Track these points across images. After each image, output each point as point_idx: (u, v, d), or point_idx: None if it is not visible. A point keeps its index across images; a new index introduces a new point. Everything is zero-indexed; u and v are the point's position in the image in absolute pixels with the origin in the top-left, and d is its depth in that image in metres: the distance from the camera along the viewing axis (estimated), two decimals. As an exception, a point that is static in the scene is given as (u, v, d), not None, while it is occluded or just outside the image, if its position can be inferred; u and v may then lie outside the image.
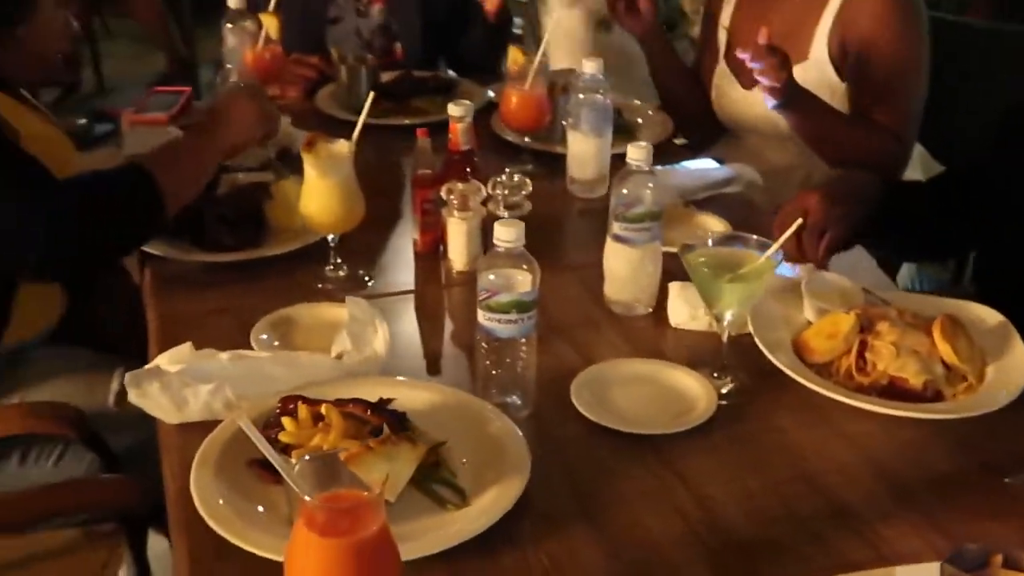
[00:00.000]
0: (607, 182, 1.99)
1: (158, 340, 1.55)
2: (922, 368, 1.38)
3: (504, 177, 1.75)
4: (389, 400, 1.31)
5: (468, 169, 1.79)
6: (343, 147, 1.66)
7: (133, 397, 1.32)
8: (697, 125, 2.42)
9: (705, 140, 2.41)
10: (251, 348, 1.48)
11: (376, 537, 0.93)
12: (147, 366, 1.36)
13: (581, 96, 1.97)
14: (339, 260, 1.73)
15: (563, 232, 1.97)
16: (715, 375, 1.44)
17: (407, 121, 2.33)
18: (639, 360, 1.49)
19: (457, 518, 1.18)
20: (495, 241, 1.33)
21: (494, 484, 1.22)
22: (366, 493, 0.93)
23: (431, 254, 1.80)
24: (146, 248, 1.74)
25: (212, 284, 1.71)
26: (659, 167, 2.03)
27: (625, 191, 1.57)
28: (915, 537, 1.19)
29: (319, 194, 1.66)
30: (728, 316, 1.40)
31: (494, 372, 1.37)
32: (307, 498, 0.91)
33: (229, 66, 2.21)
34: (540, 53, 2.07)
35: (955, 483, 1.28)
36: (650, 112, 2.39)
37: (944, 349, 1.40)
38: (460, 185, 1.72)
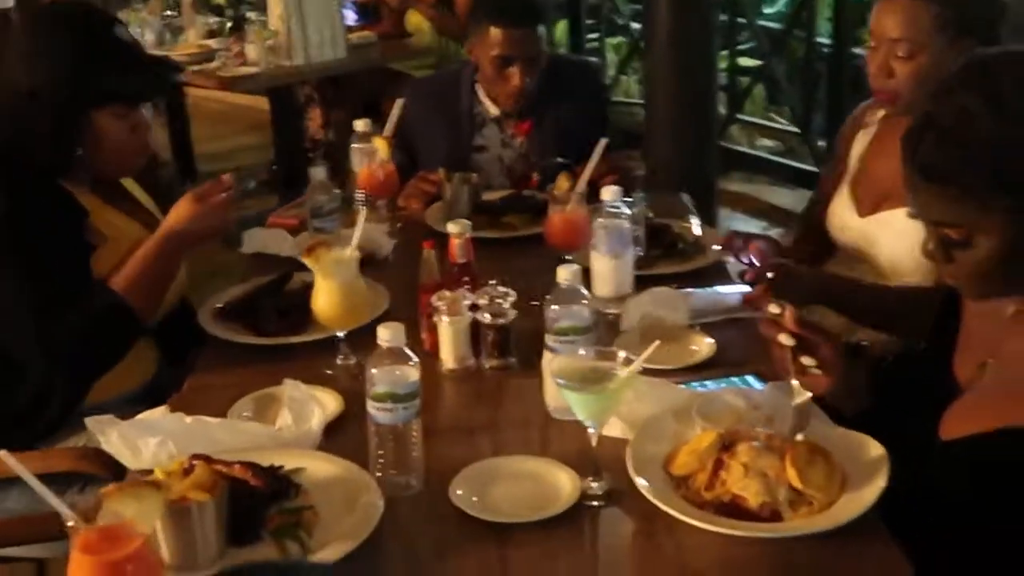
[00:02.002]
0: (625, 300, 2.15)
1: (172, 402, 1.89)
2: (763, 490, 1.46)
3: (490, 288, 1.96)
4: (280, 467, 1.56)
5: (466, 278, 2.02)
6: (344, 254, 1.95)
7: (102, 443, 1.66)
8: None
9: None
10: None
11: (129, 558, 1.19)
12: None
13: (601, 220, 2.15)
14: (349, 351, 2.01)
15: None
16: (590, 477, 1.57)
17: (491, 235, 2.60)
18: (532, 458, 1.65)
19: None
20: (378, 340, 1.56)
21: (331, 545, 1.44)
22: (122, 524, 1.19)
23: (436, 353, 2.03)
24: (202, 325, 2.12)
25: (246, 363, 2.04)
26: (689, 289, 2.18)
27: (555, 306, 1.75)
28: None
29: (323, 293, 1.95)
30: (590, 424, 1.55)
31: (379, 452, 1.59)
32: (70, 524, 1.18)
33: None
34: (584, 180, 2.28)
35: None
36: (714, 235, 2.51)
37: (790, 474, 1.46)
38: (448, 293, 1.96)
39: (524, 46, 2.84)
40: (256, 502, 1.48)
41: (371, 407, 1.57)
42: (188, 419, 1.72)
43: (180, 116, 6.02)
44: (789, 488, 1.47)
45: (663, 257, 2.39)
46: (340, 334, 2.00)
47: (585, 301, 1.77)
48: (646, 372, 1.89)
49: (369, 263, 2.44)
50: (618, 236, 2.15)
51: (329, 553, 1.43)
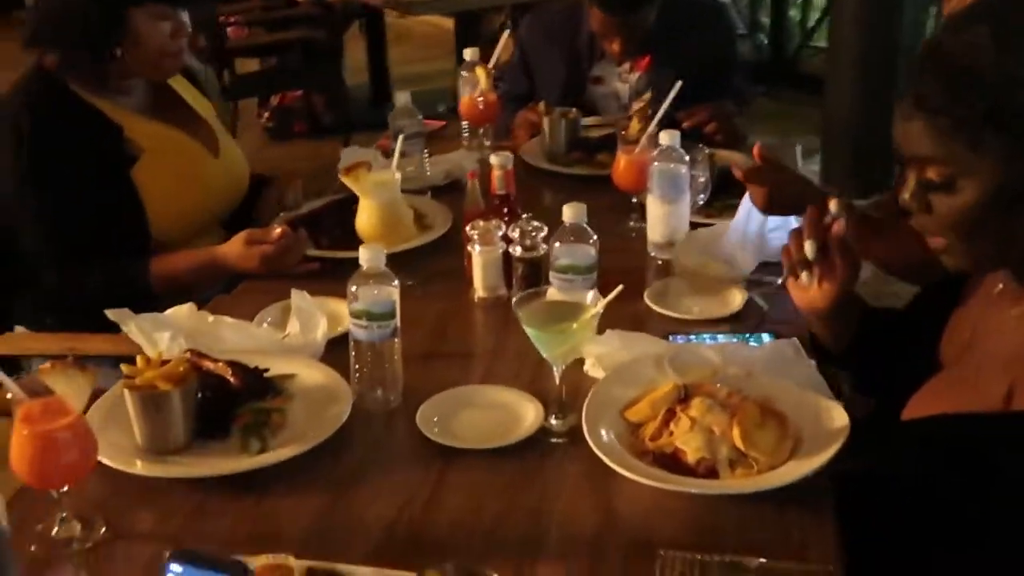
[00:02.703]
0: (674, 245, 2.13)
1: (213, 303, 2.03)
2: (704, 446, 1.44)
3: (523, 222, 1.98)
4: (265, 369, 1.66)
5: (505, 210, 2.05)
6: (385, 175, 2.01)
7: (126, 331, 1.80)
8: None
9: None
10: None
11: (62, 429, 1.31)
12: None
13: (657, 164, 2.12)
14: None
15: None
16: (554, 414, 1.59)
17: (582, 171, 2.62)
18: (509, 389, 1.67)
19: (243, 463, 1.51)
20: (360, 260, 1.62)
21: (290, 446, 1.53)
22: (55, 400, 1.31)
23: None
24: None
25: (294, 276, 2.13)
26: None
27: (558, 243, 1.76)
28: (557, 576, 1.30)
29: (364, 213, 2.03)
30: (553, 363, 1.56)
31: (356, 367, 1.66)
32: (9, 396, 1.31)
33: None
34: (653, 123, 2.25)
35: (639, 551, 1.34)
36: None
37: (735, 433, 1.44)
38: (482, 223, 1.99)
39: (621, 30, 2.81)
40: (230, 399, 1.58)
41: (351, 323, 1.64)
42: (210, 318, 1.84)
43: (378, 38, 6.23)
44: (733, 448, 1.44)
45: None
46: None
47: (592, 240, 1.77)
48: (668, 321, 1.90)
49: (455, 187, 2.52)
50: (673, 181, 2.11)
51: (283, 452, 1.52)
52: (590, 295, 1.56)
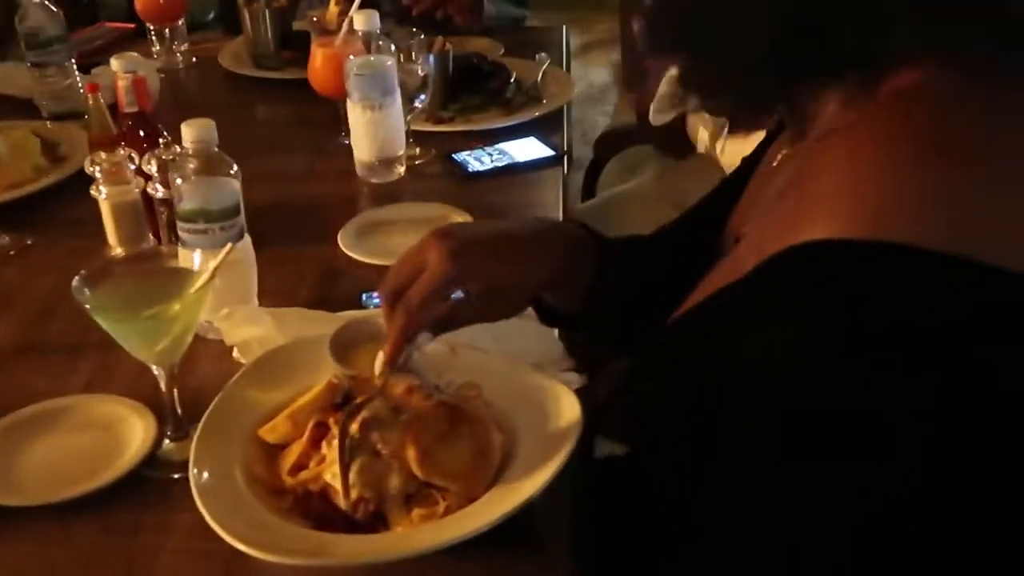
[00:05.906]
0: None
1: None
2: (363, 479, 0.95)
3: (161, 149, 1.43)
4: None
5: (142, 134, 1.50)
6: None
7: None
8: None
9: None
10: None
11: None
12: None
13: (353, 58, 1.60)
14: None
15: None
16: (168, 435, 1.08)
17: (296, 75, 2.08)
18: (117, 400, 1.15)
19: None
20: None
21: None
22: None
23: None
24: None
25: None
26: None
27: (179, 179, 1.25)
28: None
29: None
30: (160, 367, 1.05)
31: None
32: None
33: None
34: (355, 6, 1.71)
35: None
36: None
37: (409, 455, 0.95)
38: (104, 155, 1.44)
39: None
40: None
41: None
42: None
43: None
44: (409, 477, 0.96)
45: (482, 107, 1.85)
46: None
47: (232, 171, 1.25)
48: (367, 270, 1.42)
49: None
50: (375, 79, 1.61)
51: None
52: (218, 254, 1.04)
